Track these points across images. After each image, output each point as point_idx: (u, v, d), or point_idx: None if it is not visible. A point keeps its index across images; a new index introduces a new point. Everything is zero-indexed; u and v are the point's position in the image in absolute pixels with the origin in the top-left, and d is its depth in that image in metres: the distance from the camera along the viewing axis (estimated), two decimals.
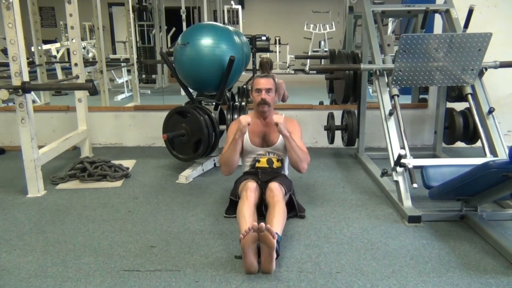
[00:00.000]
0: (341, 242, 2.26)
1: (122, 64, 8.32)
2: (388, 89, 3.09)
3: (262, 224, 1.89)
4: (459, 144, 3.82)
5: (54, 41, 8.65)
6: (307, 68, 10.34)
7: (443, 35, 3.03)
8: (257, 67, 5.28)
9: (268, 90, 2.60)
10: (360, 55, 3.75)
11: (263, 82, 2.61)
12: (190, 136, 3.29)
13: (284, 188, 2.43)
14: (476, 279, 1.90)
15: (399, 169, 2.69)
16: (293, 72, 11.32)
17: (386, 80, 3.12)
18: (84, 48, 8.64)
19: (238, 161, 2.60)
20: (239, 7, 9.80)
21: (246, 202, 2.23)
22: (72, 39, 3.77)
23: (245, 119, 2.48)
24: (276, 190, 2.31)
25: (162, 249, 2.19)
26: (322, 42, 11.47)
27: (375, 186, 3.15)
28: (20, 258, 2.12)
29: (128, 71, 7.44)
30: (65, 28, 8.00)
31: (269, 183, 2.42)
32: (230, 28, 3.73)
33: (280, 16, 12.34)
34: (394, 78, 3.03)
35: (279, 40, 11.25)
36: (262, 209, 2.43)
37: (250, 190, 2.31)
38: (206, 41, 3.30)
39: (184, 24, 7.42)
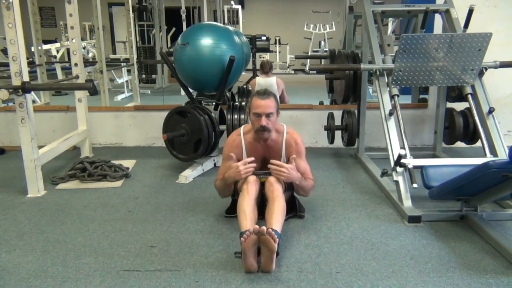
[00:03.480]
0: (341, 242, 2.26)
1: (122, 64, 8.32)
2: (388, 89, 3.09)
3: (264, 227, 1.88)
4: (459, 144, 3.82)
5: (54, 41, 8.65)
6: (307, 68, 10.35)
7: (443, 35, 3.03)
8: (257, 67, 5.29)
9: (268, 115, 2.32)
10: (360, 55, 3.75)
11: (263, 105, 2.30)
12: (190, 136, 3.29)
13: (285, 183, 2.41)
14: (476, 279, 1.89)
15: (399, 169, 2.69)
16: (293, 72, 11.32)
17: (386, 80, 3.12)
18: (84, 48, 8.64)
19: (232, 190, 2.48)
20: (239, 7, 9.79)
21: (246, 196, 2.20)
22: (72, 39, 3.77)
23: (243, 169, 2.26)
24: (275, 184, 2.27)
25: (162, 249, 2.19)
26: (322, 42, 11.47)
27: (375, 186, 3.15)
28: (20, 258, 2.12)
29: (128, 71, 7.44)
30: (65, 28, 8.00)
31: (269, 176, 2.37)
32: (230, 28, 3.73)
33: (280, 16, 12.34)
34: (394, 78, 3.03)
35: (279, 40, 11.25)
36: (262, 209, 2.37)
37: (250, 183, 2.26)
38: (206, 41, 3.30)
39: (184, 24, 7.42)
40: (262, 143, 2.47)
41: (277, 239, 1.90)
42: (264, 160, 2.46)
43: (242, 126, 2.58)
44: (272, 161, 2.32)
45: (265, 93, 2.37)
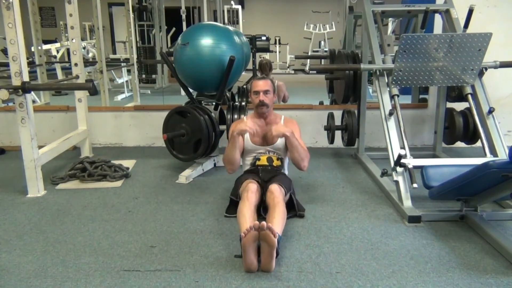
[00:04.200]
0: (341, 242, 2.26)
1: (122, 64, 8.33)
2: (388, 89, 3.09)
3: (264, 223, 1.90)
4: (459, 144, 3.82)
5: (54, 41, 8.65)
6: (307, 68, 10.35)
7: (443, 35, 3.03)
8: (257, 67, 5.28)
9: (265, 92, 2.67)
10: (360, 55, 3.75)
11: (261, 84, 2.68)
12: (190, 136, 3.29)
13: (284, 189, 2.44)
14: (476, 279, 1.90)
15: (399, 169, 2.69)
16: (293, 72, 11.33)
17: (386, 80, 3.12)
18: (84, 48, 8.64)
19: (239, 159, 2.67)
20: (239, 7, 9.80)
21: (246, 203, 2.24)
22: (72, 39, 3.77)
23: (250, 124, 2.53)
24: (276, 192, 2.33)
25: (162, 249, 2.19)
26: (322, 42, 11.47)
27: (375, 186, 3.15)
28: (20, 258, 2.12)
29: (128, 71, 7.45)
30: (65, 28, 8.01)
31: (269, 184, 2.43)
32: (230, 28, 3.73)
33: (280, 16, 12.34)
34: (394, 78, 3.03)
35: (279, 40, 11.25)
36: (261, 212, 2.44)
37: (251, 192, 2.32)
38: (206, 41, 3.30)
39: (184, 24, 7.42)
40: (262, 120, 2.74)
41: (277, 234, 1.92)
42: (265, 137, 2.72)
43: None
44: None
45: (263, 77, 2.84)
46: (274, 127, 2.53)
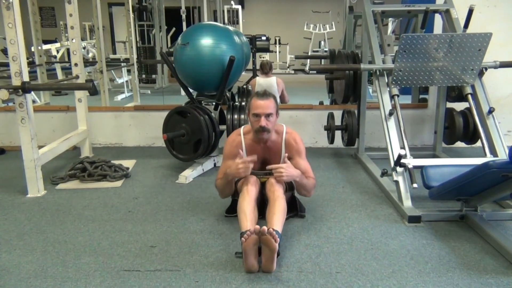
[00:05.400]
0: (341, 242, 2.26)
1: (122, 64, 8.33)
2: (388, 89, 3.09)
3: (265, 227, 1.88)
4: (459, 144, 3.82)
5: (54, 41, 8.65)
6: (307, 68, 10.35)
7: (443, 35, 3.03)
8: (257, 67, 5.29)
9: (268, 116, 2.29)
10: (360, 55, 3.75)
11: (263, 105, 2.28)
12: (190, 136, 3.29)
13: (286, 183, 2.41)
14: (476, 279, 1.90)
15: (399, 169, 2.69)
16: (293, 72, 11.32)
17: (386, 80, 3.12)
18: (84, 48, 8.64)
19: (233, 189, 2.44)
20: (239, 7, 9.79)
21: (246, 197, 2.20)
22: (72, 39, 3.77)
23: (244, 169, 2.22)
24: (276, 185, 2.27)
25: (162, 249, 2.19)
26: (322, 42, 11.47)
27: (375, 186, 3.15)
28: (20, 258, 2.12)
29: (128, 71, 7.45)
30: (65, 28, 8.00)
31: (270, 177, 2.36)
32: (230, 28, 3.73)
33: (280, 16, 12.34)
34: (394, 78, 3.03)
35: (279, 40, 11.25)
36: (262, 209, 2.36)
37: (250, 184, 2.26)
38: (206, 41, 3.30)
39: (184, 24, 7.43)
40: (262, 144, 2.44)
41: (278, 239, 1.90)
42: (264, 161, 2.44)
43: (242, 127, 2.57)
44: (268, 167, 2.30)
45: (264, 94, 2.35)
46: (283, 170, 2.22)
